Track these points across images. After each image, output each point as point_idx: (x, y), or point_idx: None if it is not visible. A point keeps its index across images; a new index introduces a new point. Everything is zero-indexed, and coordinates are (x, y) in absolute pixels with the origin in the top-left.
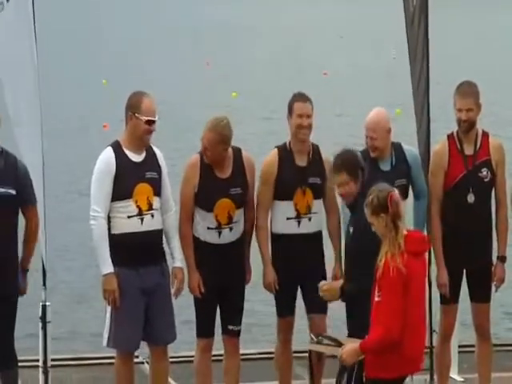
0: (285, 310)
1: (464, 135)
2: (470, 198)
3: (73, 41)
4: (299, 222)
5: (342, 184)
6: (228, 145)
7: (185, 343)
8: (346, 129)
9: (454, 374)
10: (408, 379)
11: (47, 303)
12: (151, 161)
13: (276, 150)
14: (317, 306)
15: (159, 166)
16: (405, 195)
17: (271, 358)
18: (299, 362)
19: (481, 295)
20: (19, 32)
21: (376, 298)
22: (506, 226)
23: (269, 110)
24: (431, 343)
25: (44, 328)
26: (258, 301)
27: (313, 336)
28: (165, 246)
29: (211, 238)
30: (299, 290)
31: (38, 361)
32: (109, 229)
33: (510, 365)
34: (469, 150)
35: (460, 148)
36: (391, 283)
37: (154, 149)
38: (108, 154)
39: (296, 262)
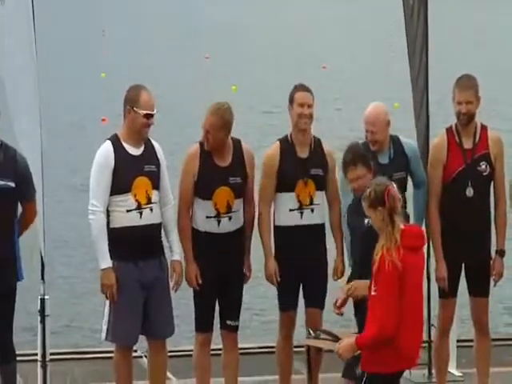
0: (287, 303)
1: (463, 128)
2: (469, 192)
3: (71, 34)
4: (302, 214)
5: (360, 177)
6: (229, 130)
7: (184, 338)
8: (346, 123)
9: (452, 369)
10: (406, 374)
11: (46, 297)
12: (150, 154)
13: (278, 142)
14: (315, 301)
15: (158, 160)
16: (404, 188)
17: (270, 353)
18: (297, 357)
19: (479, 289)
20: (18, 26)
21: (372, 293)
22: (504, 219)
23: (268, 104)
24: (429, 338)
25: (43, 322)
26: (259, 295)
27: (310, 330)
28: (163, 239)
29: (210, 226)
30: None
31: (36, 355)
32: (108, 223)
33: (508, 359)
34: (467, 144)
35: (459, 141)
36: (386, 277)
37: (153, 142)
38: (106, 148)
39: (299, 254)
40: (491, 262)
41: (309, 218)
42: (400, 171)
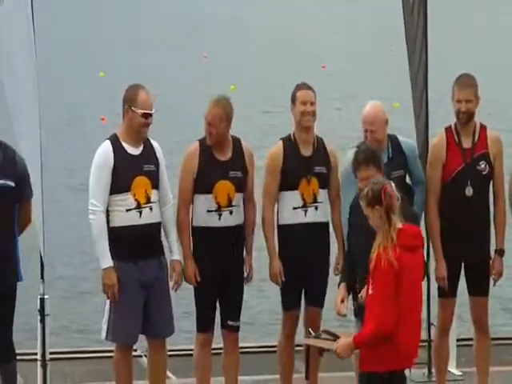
0: (290, 302)
1: (462, 128)
2: (468, 191)
3: (70, 33)
4: (306, 212)
5: (369, 177)
6: (229, 122)
7: (184, 338)
8: (346, 122)
9: (452, 368)
10: (406, 373)
11: (45, 296)
12: (149, 154)
13: (281, 141)
14: (315, 300)
15: (157, 159)
16: (403, 186)
17: (271, 352)
18: (297, 356)
19: (479, 289)
20: (18, 26)
21: (369, 291)
22: (503, 219)
23: (268, 104)
24: (429, 337)
25: (42, 321)
26: (261, 295)
27: (311, 330)
28: (162, 239)
29: (212, 220)
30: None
31: (36, 354)
32: (107, 222)
33: (508, 358)
34: (467, 143)
35: (458, 141)
36: (383, 275)
37: (152, 142)
38: (106, 148)
39: (302, 253)
40: (491, 261)
41: (313, 216)
42: (398, 169)
